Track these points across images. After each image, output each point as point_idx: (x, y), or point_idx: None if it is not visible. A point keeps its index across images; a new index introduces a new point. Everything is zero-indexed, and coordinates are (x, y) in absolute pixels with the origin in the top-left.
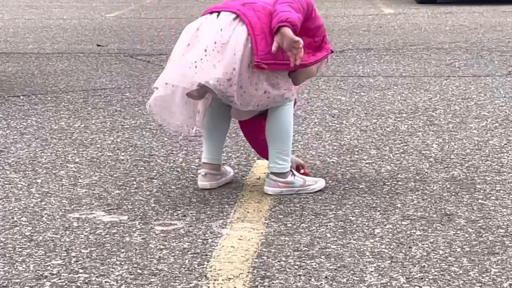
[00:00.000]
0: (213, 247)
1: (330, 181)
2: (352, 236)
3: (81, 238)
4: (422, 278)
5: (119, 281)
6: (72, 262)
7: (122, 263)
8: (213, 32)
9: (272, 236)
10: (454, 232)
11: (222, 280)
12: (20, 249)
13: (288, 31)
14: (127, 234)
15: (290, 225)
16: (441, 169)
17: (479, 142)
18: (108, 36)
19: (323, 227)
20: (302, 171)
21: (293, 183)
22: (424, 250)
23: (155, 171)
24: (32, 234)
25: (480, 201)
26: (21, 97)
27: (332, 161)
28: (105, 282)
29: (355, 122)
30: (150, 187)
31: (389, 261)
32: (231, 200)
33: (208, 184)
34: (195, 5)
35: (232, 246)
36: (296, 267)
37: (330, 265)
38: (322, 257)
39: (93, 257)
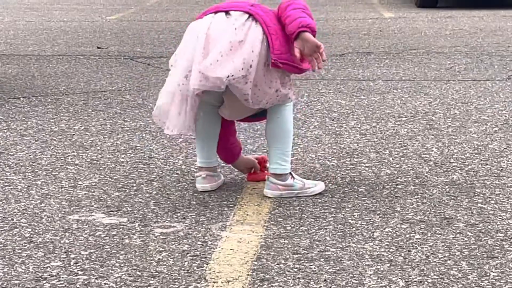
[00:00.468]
0: (212, 250)
1: (329, 184)
2: (352, 239)
3: (81, 240)
4: (421, 282)
5: (118, 283)
6: (72, 264)
7: (122, 265)
8: (229, 32)
9: (272, 239)
10: (454, 236)
11: (221, 282)
12: (20, 251)
13: (310, 36)
14: (126, 236)
15: (290, 228)
16: (441, 173)
17: (478, 146)
18: (108, 39)
19: (322, 230)
20: (253, 170)
21: (292, 186)
22: (423, 254)
23: (154, 174)
24: (31, 235)
25: (479, 205)
26: (21, 99)
27: (332, 164)
28: (105, 284)
29: (355, 126)
30: (150, 189)
31: (388, 265)
32: (231, 202)
33: (209, 186)
34: (196, 7)
35: (231, 249)
36: (295, 270)
37: (329, 268)
38: (321, 260)
39: (92, 259)
